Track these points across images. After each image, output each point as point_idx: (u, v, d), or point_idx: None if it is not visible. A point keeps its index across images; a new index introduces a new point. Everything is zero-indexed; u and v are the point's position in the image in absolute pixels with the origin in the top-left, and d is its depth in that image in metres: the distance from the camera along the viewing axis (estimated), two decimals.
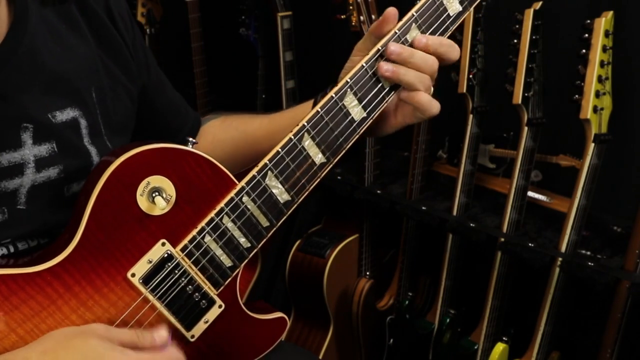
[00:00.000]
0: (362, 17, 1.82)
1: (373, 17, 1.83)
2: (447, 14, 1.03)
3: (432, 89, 1.01)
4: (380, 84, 1.01)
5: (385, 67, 0.98)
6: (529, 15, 1.58)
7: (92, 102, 1.00)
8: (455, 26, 1.05)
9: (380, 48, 1.00)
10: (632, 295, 1.61)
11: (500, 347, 1.86)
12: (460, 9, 1.04)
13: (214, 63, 2.52)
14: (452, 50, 1.01)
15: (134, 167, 0.88)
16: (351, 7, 1.82)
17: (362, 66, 0.99)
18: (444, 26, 1.03)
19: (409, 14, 1.01)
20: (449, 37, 1.04)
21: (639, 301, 1.63)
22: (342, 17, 1.85)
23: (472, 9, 1.07)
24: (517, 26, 1.62)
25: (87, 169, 0.98)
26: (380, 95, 1.01)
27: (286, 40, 2.14)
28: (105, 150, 1.00)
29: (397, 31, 1.00)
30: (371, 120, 1.02)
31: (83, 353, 0.80)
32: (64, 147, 0.95)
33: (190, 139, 0.95)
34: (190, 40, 2.35)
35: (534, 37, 1.59)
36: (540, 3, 1.58)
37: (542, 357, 1.79)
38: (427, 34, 1.02)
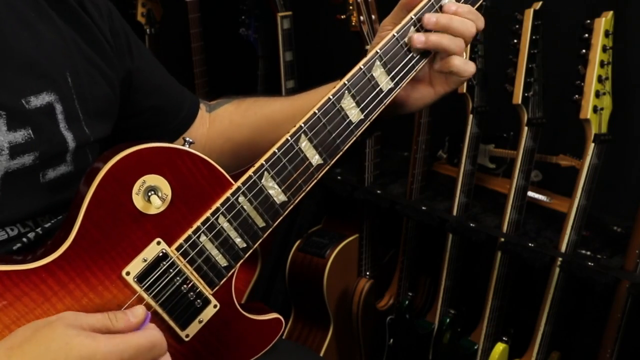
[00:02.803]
0: (362, 17, 1.82)
1: (373, 17, 1.83)
2: None
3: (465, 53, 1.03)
4: (379, 87, 1.01)
5: (417, 39, 0.99)
6: (529, 15, 1.58)
7: (67, 87, 0.98)
8: None
9: (378, 51, 1.00)
10: (632, 295, 1.60)
11: (500, 347, 1.86)
12: None
13: (214, 63, 2.52)
14: (478, 20, 1.02)
15: (130, 166, 0.88)
16: (351, 7, 1.82)
17: (360, 68, 0.99)
18: None
19: (408, 17, 1.01)
20: None
21: (639, 301, 1.62)
22: (342, 17, 1.85)
23: None
24: (517, 26, 1.62)
25: (62, 156, 0.97)
26: (378, 98, 1.01)
27: (286, 40, 2.14)
28: (83, 136, 1.00)
29: (395, 34, 1.00)
30: (369, 123, 1.02)
31: (48, 344, 0.78)
32: (40, 134, 0.94)
33: (187, 138, 0.94)
34: (190, 40, 2.35)
35: (534, 37, 1.59)
36: (540, 3, 1.58)
37: (542, 357, 1.79)
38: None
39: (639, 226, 1.56)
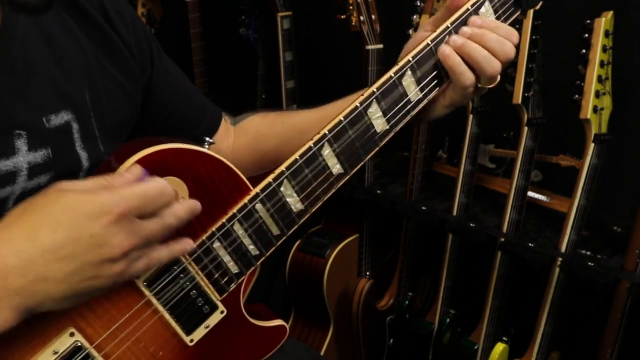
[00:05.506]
0: (362, 17, 1.82)
1: (373, 17, 1.83)
2: None
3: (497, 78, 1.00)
4: (407, 97, 0.97)
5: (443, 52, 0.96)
6: (529, 15, 1.58)
7: (85, 105, 0.97)
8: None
9: (410, 59, 0.96)
10: (632, 295, 1.61)
11: (500, 347, 1.86)
12: None
13: (214, 63, 2.52)
14: (512, 36, 0.98)
15: (148, 167, 0.85)
16: (351, 7, 1.82)
17: (391, 76, 0.96)
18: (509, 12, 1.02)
19: (444, 25, 0.97)
20: None
21: (639, 301, 1.63)
22: (342, 17, 1.85)
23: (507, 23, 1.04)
24: (517, 26, 1.61)
25: (75, 175, 0.96)
26: (406, 109, 0.98)
27: (286, 40, 2.14)
28: (97, 155, 0.98)
29: (429, 42, 0.97)
30: (392, 134, 0.99)
31: (48, 208, 0.74)
32: (58, 153, 0.93)
33: (207, 138, 0.92)
34: (190, 40, 2.35)
35: (534, 37, 1.59)
36: (540, 3, 1.58)
37: (542, 357, 1.79)
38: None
39: (639, 226, 1.56)
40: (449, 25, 0.97)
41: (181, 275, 0.92)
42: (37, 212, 0.74)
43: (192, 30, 2.33)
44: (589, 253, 1.68)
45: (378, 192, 2.01)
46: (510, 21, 1.04)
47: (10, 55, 0.89)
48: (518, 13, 1.05)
